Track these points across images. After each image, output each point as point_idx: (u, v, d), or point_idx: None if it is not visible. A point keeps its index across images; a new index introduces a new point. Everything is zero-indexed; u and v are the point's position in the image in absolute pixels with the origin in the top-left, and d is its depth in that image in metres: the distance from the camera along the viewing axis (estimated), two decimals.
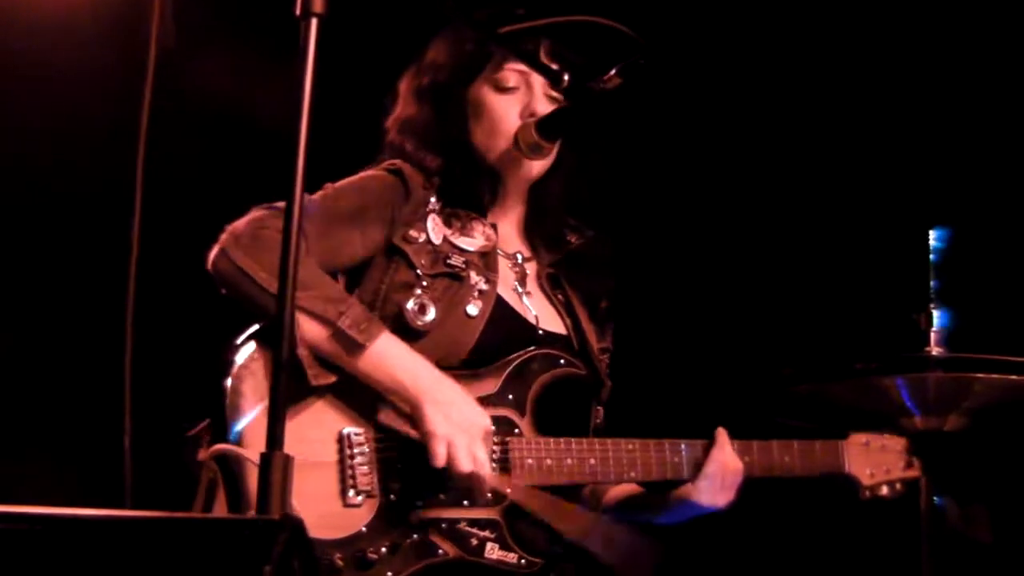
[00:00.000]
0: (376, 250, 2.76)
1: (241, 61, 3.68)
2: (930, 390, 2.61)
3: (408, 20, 3.14)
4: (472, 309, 2.76)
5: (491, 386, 2.72)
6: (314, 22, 2.03)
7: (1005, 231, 3.84)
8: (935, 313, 2.65)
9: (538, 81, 2.81)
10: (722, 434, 2.84)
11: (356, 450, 2.60)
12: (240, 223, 2.64)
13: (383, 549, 2.57)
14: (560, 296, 2.95)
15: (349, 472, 2.59)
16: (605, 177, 3.00)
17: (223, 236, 2.63)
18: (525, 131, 2.79)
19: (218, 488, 2.52)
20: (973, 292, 3.07)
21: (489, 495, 2.65)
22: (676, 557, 3.77)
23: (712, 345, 4.06)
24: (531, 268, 2.95)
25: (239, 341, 2.61)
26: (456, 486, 2.62)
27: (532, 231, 2.97)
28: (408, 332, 2.68)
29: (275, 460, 1.89)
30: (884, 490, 2.98)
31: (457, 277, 2.77)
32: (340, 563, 2.53)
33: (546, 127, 2.77)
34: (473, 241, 2.83)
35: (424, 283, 2.74)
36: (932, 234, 2.70)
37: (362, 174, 2.83)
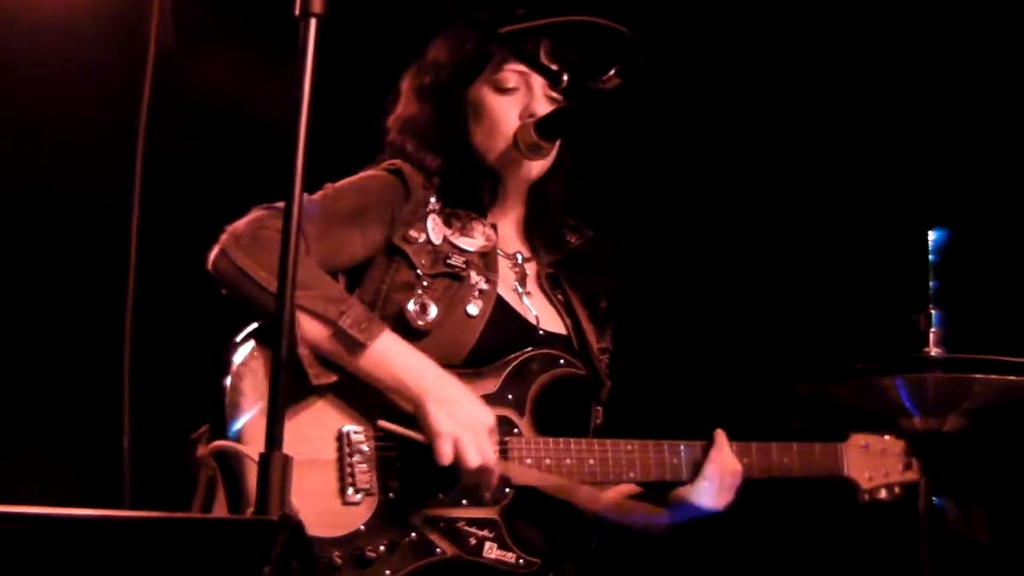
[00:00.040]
0: (376, 250, 2.76)
1: (240, 61, 3.69)
2: (929, 391, 2.61)
3: (407, 20, 3.14)
4: (472, 309, 2.76)
5: (491, 386, 2.72)
6: (313, 22, 2.03)
7: (1004, 232, 3.85)
8: (934, 314, 2.65)
9: (538, 82, 2.81)
10: (720, 436, 2.84)
11: (355, 448, 2.60)
12: (240, 223, 2.64)
13: (381, 547, 2.57)
14: (560, 296, 2.95)
15: (348, 470, 2.59)
16: (604, 177, 3.00)
17: (223, 236, 2.63)
18: (524, 131, 2.79)
19: (217, 486, 2.52)
20: (972, 293, 3.07)
21: (496, 491, 2.65)
22: (675, 557, 3.78)
23: (712, 345, 4.06)
24: (531, 268, 2.95)
25: (238, 340, 2.61)
26: (465, 483, 2.62)
27: (532, 231, 2.97)
28: (409, 332, 2.69)
29: (274, 460, 1.89)
30: (883, 494, 2.99)
31: (457, 277, 2.77)
32: (338, 561, 2.53)
33: (545, 127, 2.78)
34: (473, 241, 2.83)
35: (425, 283, 2.74)
36: (931, 235, 2.70)
37: (362, 174, 2.83)
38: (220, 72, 3.69)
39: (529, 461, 2.69)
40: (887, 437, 3.00)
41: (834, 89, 4.00)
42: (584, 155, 2.96)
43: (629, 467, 2.77)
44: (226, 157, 3.79)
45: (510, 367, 2.74)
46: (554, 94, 2.81)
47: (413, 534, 2.61)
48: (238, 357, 2.59)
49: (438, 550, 2.61)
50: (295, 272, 1.95)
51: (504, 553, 2.66)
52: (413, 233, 2.77)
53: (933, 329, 2.65)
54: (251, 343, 2.59)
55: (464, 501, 2.65)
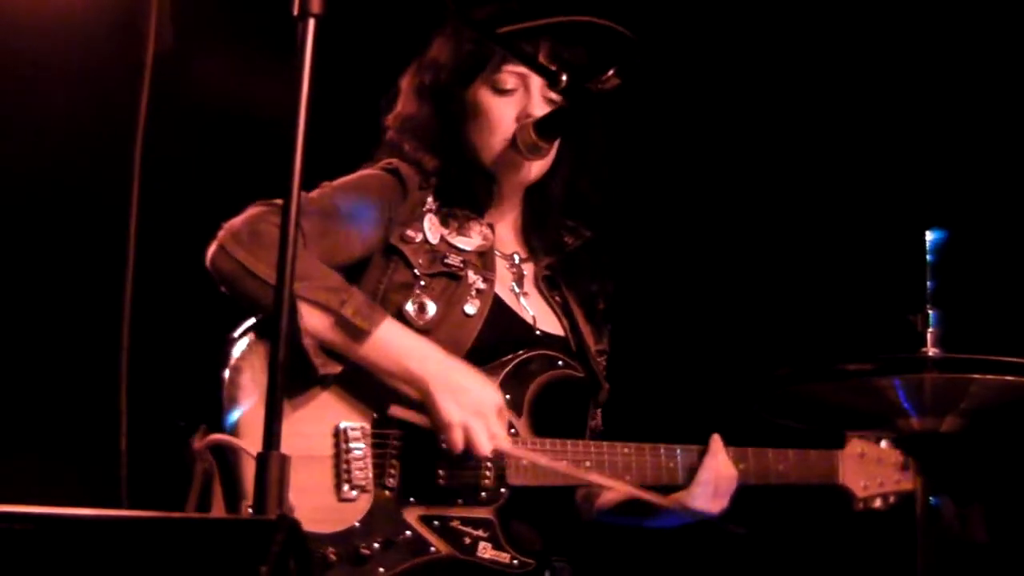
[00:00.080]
0: (373, 249, 2.75)
1: (239, 61, 3.68)
2: (926, 391, 2.61)
3: (406, 20, 3.14)
4: (470, 308, 2.76)
5: None
6: (311, 22, 2.03)
7: (1002, 232, 3.85)
8: (931, 314, 2.65)
9: (536, 83, 2.81)
10: (716, 440, 2.84)
11: (352, 445, 2.60)
12: (237, 220, 2.63)
13: (376, 545, 2.57)
14: (557, 297, 2.95)
15: (344, 467, 2.59)
16: (603, 178, 3.00)
17: (220, 233, 2.62)
18: (523, 131, 2.79)
19: (214, 480, 2.52)
20: (969, 293, 3.07)
21: (492, 491, 2.65)
22: (675, 558, 3.78)
23: (708, 345, 4.07)
24: (528, 269, 2.95)
25: (237, 334, 2.61)
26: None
27: (529, 232, 2.97)
28: None
29: (271, 460, 1.90)
30: (877, 502, 3.00)
31: (455, 276, 2.77)
32: (333, 558, 2.53)
33: (544, 127, 2.78)
34: (470, 241, 2.83)
35: (422, 283, 2.74)
36: (928, 235, 2.70)
37: (359, 173, 2.83)
38: (219, 71, 3.69)
39: (525, 462, 2.69)
40: (883, 445, 3.01)
41: (831, 89, 4.00)
42: (582, 156, 2.96)
43: (625, 470, 2.77)
44: (224, 156, 3.79)
45: (508, 367, 2.74)
46: (552, 95, 2.80)
47: (408, 532, 2.61)
48: (237, 350, 2.59)
49: (432, 548, 2.61)
50: (294, 272, 1.96)
51: (498, 553, 2.66)
52: (410, 233, 2.77)
53: (930, 329, 2.65)
54: (250, 336, 2.59)
55: (459, 500, 2.65)
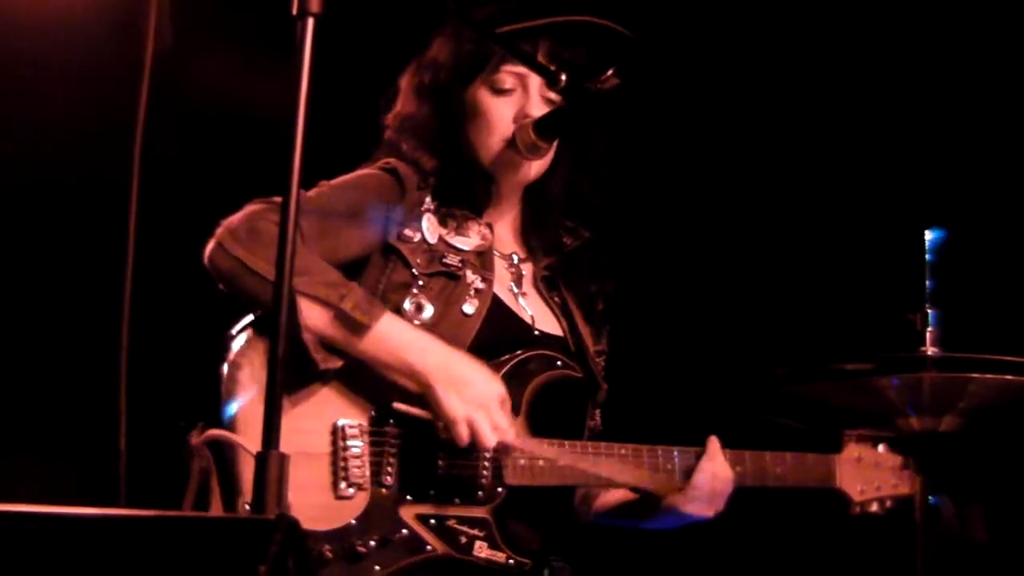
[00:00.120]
0: (371, 249, 2.75)
1: (238, 60, 3.68)
2: (925, 390, 2.61)
3: (405, 19, 3.14)
4: (468, 308, 2.76)
5: None
6: (310, 21, 2.03)
7: (1001, 231, 3.85)
8: (930, 313, 2.66)
9: (535, 83, 2.81)
10: (714, 443, 2.84)
11: (349, 442, 2.60)
12: (235, 218, 2.63)
13: (372, 542, 2.57)
14: (556, 298, 2.95)
15: (341, 464, 2.58)
16: (602, 178, 3.00)
17: (218, 231, 2.62)
18: (523, 131, 2.79)
19: (211, 476, 2.51)
20: (968, 292, 3.07)
21: (489, 490, 2.66)
22: (674, 558, 3.78)
23: (707, 345, 4.07)
24: (527, 269, 2.95)
25: (235, 331, 2.61)
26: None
27: (528, 233, 2.97)
28: None
29: (271, 459, 1.90)
30: (874, 507, 3.00)
31: (453, 276, 2.77)
32: (329, 555, 2.53)
33: (543, 127, 2.77)
34: (469, 240, 2.83)
35: (420, 282, 2.74)
36: (927, 234, 2.70)
37: (358, 172, 2.83)
38: (218, 71, 3.69)
39: (523, 462, 2.69)
40: (881, 449, 3.01)
41: (831, 89, 4.00)
42: (582, 156, 2.95)
43: (622, 471, 2.77)
44: (224, 155, 3.79)
45: (507, 367, 2.73)
46: (551, 95, 2.80)
47: (404, 530, 2.61)
48: (235, 346, 2.59)
49: (428, 547, 2.61)
50: (292, 269, 1.96)
51: (494, 552, 2.66)
52: (408, 232, 2.77)
53: (929, 328, 2.65)
54: (249, 332, 2.59)
55: (456, 499, 2.65)
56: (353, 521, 2.58)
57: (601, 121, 2.94)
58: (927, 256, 2.69)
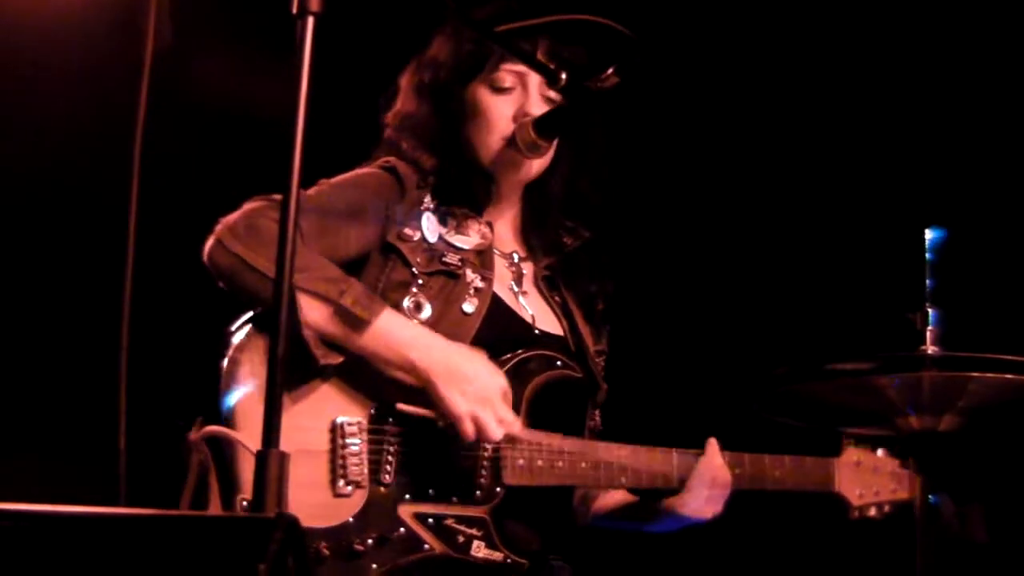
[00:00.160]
0: (370, 247, 2.75)
1: (238, 58, 3.69)
2: (925, 389, 2.61)
3: (405, 18, 3.14)
4: (468, 307, 2.76)
5: None
6: (310, 20, 2.03)
7: (1001, 230, 3.85)
8: (930, 312, 2.65)
9: (535, 81, 2.81)
10: (713, 445, 2.84)
11: (348, 440, 2.60)
12: (234, 215, 2.63)
13: (370, 541, 2.57)
14: (557, 298, 2.95)
15: (340, 462, 2.58)
16: (602, 177, 3.00)
17: (217, 228, 2.62)
18: (523, 130, 2.79)
19: (210, 472, 2.51)
20: (968, 291, 3.07)
21: (487, 490, 2.66)
22: (674, 558, 3.78)
23: (706, 345, 4.07)
24: (527, 268, 2.95)
25: (236, 326, 2.61)
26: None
27: (528, 231, 2.97)
28: None
29: (271, 457, 1.90)
30: (872, 511, 3.00)
31: (453, 275, 2.77)
32: (326, 552, 2.53)
33: (544, 126, 2.78)
34: (469, 239, 2.83)
35: (420, 281, 2.74)
36: (927, 233, 2.70)
37: (357, 171, 2.83)
38: (218, 69, 3.69)
39: (521, 462, 2.69)
40: (880, 454, 3.02)
41: (831, 88, 4.00)
42: (582, 155, 2.95)
43: (620, 472, 2.77)
44: (223, 154, 3.79)
45: (507, 367, 2.73)
46: (551, 94, 2.80)
47: (402, 529, 2.61)
48: (235, 340, 2.59)
49: (426, 546, 2.61)
50: (292, 267, 1.96)
51: (492, 552, 2.66)
52: (408, 231, 2.77)
53: (929, 327, 2.65)
54: (249, 328, 2.59)
55: (454, 498, 2.65)
56: (351, 519, 2.58)
57: (601, 120, 2.94)
58: (927, 256, 2.68)
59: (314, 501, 2.54)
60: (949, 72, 3.88)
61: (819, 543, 3.88)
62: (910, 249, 2.70)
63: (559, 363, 2.80)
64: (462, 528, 2.64)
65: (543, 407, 2.74)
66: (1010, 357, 2.53)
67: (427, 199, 2.82)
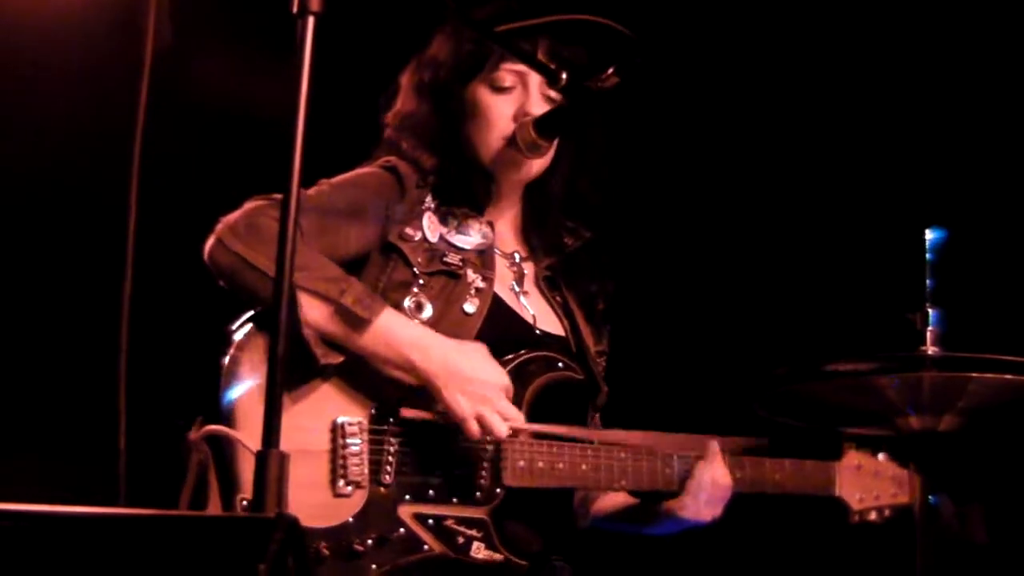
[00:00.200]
0: (370, 247, 2.75)
1: (238, 58, 3.68)
2: (925, 390, 2.61)
3: (406, 18, 3.14)
4: (469, 307, 2.76)
5: None
6: (311, 20, 2.03)
7: (1001, 230, 3.85)
8: (930, 312, 2.65)
9: (535, 81, 2.81)
10: (713, 447, 2.84)
11: (348, 440, 2.59)
12: (235, 214, 2.63)
13: (369, 541, 2.57)
14: (558, 298, 2.95)
15: (340, 462, 2.58)
16: (602, 176, 3.00)
17: (218, 227, 2.62)
18: (523, 129, 2.79)
19: (209, 471, 2.51)
20: (968, 292, 3.07)
21: (487, 491, 2.66)
22: (674, 558, 3.78)
23: (707, 345, 4.06)
24: (528, 268, 2.95)
25: (236, 325, 2.61)
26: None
27: (529, 231, 2.97)
28: None
29: (271, 457, 1.90)
30: (872, 516, 3.01)
31: (454, 275, 2.77)
32: (326, 552, 2.53)
33: (544, 126, 2.77)
34: (470, 239, 2.83)
35: (421, 281, 2.74)
36: (928, 233, 2.70)
37: (357, 171, 2.83)
38: (218, 69, 3.69)
39: (522, 463, 2.68)
40: (881, 458, 3.02)
41: (831, 87, 4.00)
42: (582, 155, 2.95)
43: (621, 474, 2.77)
44: (223, 154, 3.79)
45: (508, 368, 2.72)
46: (551, 93, 2.80)
47: (401, 529, 2.61)
48: (236, 338, 2.59)
49: (425, 547, 2.61)
50: (293, 267, 1.96)
51: (492, 553, 2.66)
52: (409, 231, 2.77)
53: (929, 328, 2.65)
54: (249, 327, 2.59)
55: (454, 499, 2.65)
56: (351, 519, 2.58)
57: (601, 120, 2.94)
58: (927, 256, 2.68)
59: (314, 501, 2.54)
60: (949, 73, 3.88)
61: (819, 543, 3.88)
62: (910, 249, 2.70)
63: (560, 364, 2.80)
64: (462, 529, 2.64)
65: (544, 409, 2.74)
66: (1010, 357, 2.53)
67: (427, 199, 2.82)
